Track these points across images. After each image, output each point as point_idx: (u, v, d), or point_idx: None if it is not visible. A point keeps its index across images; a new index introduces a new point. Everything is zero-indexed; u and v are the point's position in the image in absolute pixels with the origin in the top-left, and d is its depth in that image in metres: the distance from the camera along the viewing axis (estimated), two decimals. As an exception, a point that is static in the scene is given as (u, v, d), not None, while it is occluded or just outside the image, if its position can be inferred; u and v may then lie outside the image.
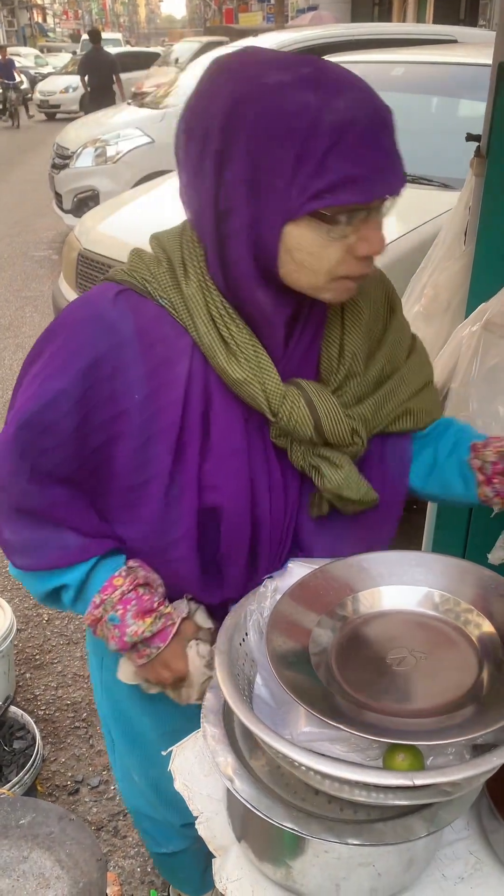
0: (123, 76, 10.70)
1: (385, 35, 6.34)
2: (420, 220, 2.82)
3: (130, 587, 1.03)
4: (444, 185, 3.11)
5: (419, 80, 3.77)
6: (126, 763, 1.31)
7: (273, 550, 1.04)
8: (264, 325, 0.95)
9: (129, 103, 7.90)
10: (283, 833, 0.77)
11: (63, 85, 17.62)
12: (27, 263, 7.03)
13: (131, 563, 1.05)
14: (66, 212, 6.70)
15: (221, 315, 0.93)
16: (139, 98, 8.08)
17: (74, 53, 24.87)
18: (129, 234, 3.64)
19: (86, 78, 10.39)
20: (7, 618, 2.17)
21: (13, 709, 2.10)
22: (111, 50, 13.16)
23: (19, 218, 8.64)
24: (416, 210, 2.91)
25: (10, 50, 21.99)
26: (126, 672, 1.14)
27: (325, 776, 0.74)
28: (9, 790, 1.81)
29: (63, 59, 26.35)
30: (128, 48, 21.63)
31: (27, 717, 2.08)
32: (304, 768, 0.74)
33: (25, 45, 37.55)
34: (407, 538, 1.44)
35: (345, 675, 0.83)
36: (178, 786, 0.97)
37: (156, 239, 1.00)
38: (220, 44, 8.93)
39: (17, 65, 19.15)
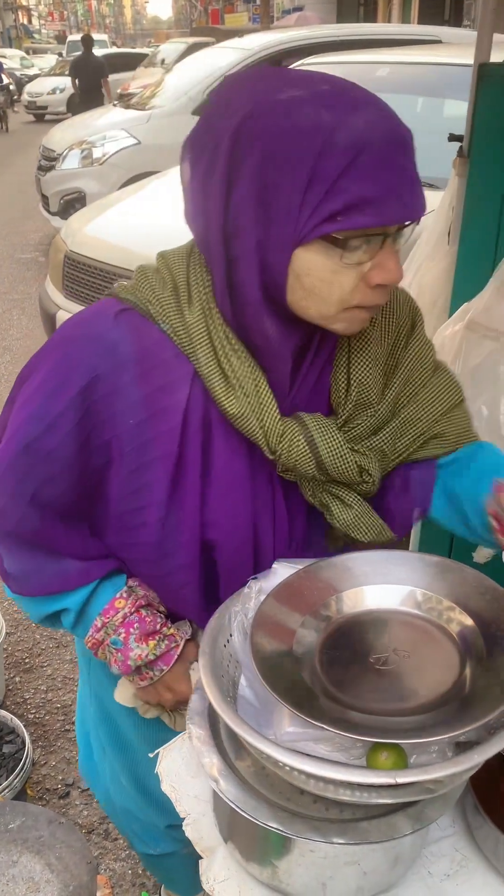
0: (113, 77, 10.92)
1: (370, 35, 6.38)
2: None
3: (133, 609, 1.01)
4: (430, 185, 3.12)
5: (404, 80, 3.78)
6: (114, 765, 1.31)
7: None
8: (270, 357, 0.90)
9: (115, 105, 7.88)
10: (268, 833, 0.77)
11: (51, 86, 17.61)
12: (14, 266, 7.01)
13: (131, 582, 1.03)
14: (53, 214, 6.68)
15: (223, 345, 0.89)
16: (125, 99, 8.07)
17: (60, 55, 24.86)
18: (115, 236, 3.64)
19: (76, 81, 10.74)
20: (-4, 622, 2.17)
21: (2, 712, 2.09)
22: (98, 51, 13.24)
23: (6, 220, 8.60)
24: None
25: (-4, 52, 21.97)
26: (124, 695, 1.13)
27: (308, 776, 0.75)
28: (-2, 795, 1.81)
29: (49, 60, 26.33)
30: (115, 49, 21.60)
31: (17, 721, 2.07)
32: (287, 768, 0.75)
33: (11, 46, 37.46)
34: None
35: (329, 675, 0.83)
36: (166, 788, 0.97)
37: (163, 258, 0.95)
38: (206, 44, 8.92)
39: (3, 67, 19.10)
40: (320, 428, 0.92)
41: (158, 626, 1.02)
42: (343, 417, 0.96)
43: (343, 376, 0.96)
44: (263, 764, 0.81)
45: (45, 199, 6.88)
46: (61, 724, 2.28)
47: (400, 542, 1.06)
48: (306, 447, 0.91)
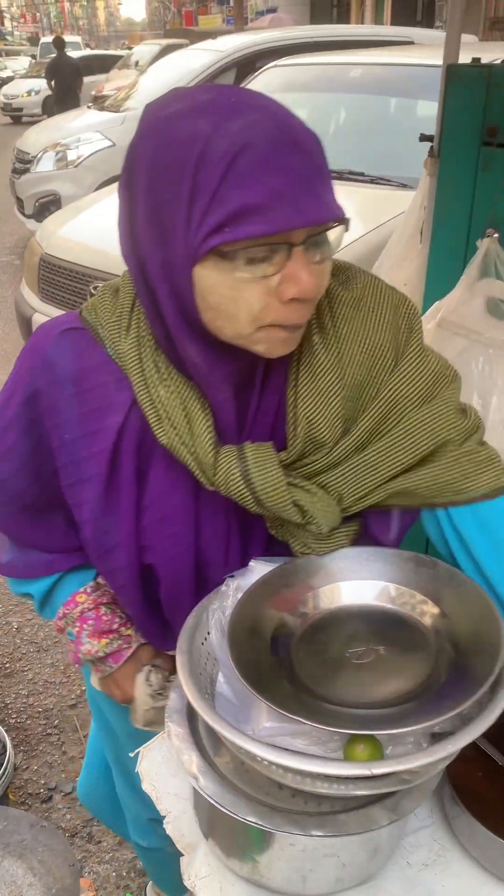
0: (88, 79, 10.92)
1: (343, 37, 6.41)
2: (379, 220, 2.85)
3: (92, 606, 1.04)
4: (403, 185, 3.16)
5: (377, 81, 3.81)
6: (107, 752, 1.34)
7: None
8: (205, 385, 0.86)
9: (89, 107, 7.85)
10: (248, 828, 0.78)
11: (26, 88, 17.52)
12: (-11, 269, 6.97)
13: (101, 579, 1.06)
14: (28, 217, 6.64)
15: (152, 375, 0.86)
16: (99, 101, 8.04)
17: (34, 57, 24.68)
18: (91, 239, 3.63)
19: (52, 82, 10.79)
20: (-25, 627, 2.16)
21: (-17, 718, 2.08)
22: (72, 53, 13.22)
23: (-19, 223, 8.53)
24: (375, 210, 2.94)
25: (-32, 54, 21.77)
26: (94, 679, 1.17)
27: (286, 770, 0.75)
28: (-20, 800, 1.80)
29: (22, 62, 26.13)
30: (88, 51, 21.52)
31: (-2, 727, 2.06)
32: (265, 763, 0.75)
33: (-17, 48, 37.17)
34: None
35: (306, 670, 0.84)
36: (146, 786, 0.98)
37: (124, 277, 0.92)
38: (180, 46, 8.91)
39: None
40: (258, 460, 0.86)
41: (116, 626, 1.05)
42: (293, 454, 0.89)
43: (292, 410, 0.88)
44: (242, 759, 0.81)
45: (19, 201, 6.83)
46: (43, 729, 2.27)
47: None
48: (240, 480, 0.85)
